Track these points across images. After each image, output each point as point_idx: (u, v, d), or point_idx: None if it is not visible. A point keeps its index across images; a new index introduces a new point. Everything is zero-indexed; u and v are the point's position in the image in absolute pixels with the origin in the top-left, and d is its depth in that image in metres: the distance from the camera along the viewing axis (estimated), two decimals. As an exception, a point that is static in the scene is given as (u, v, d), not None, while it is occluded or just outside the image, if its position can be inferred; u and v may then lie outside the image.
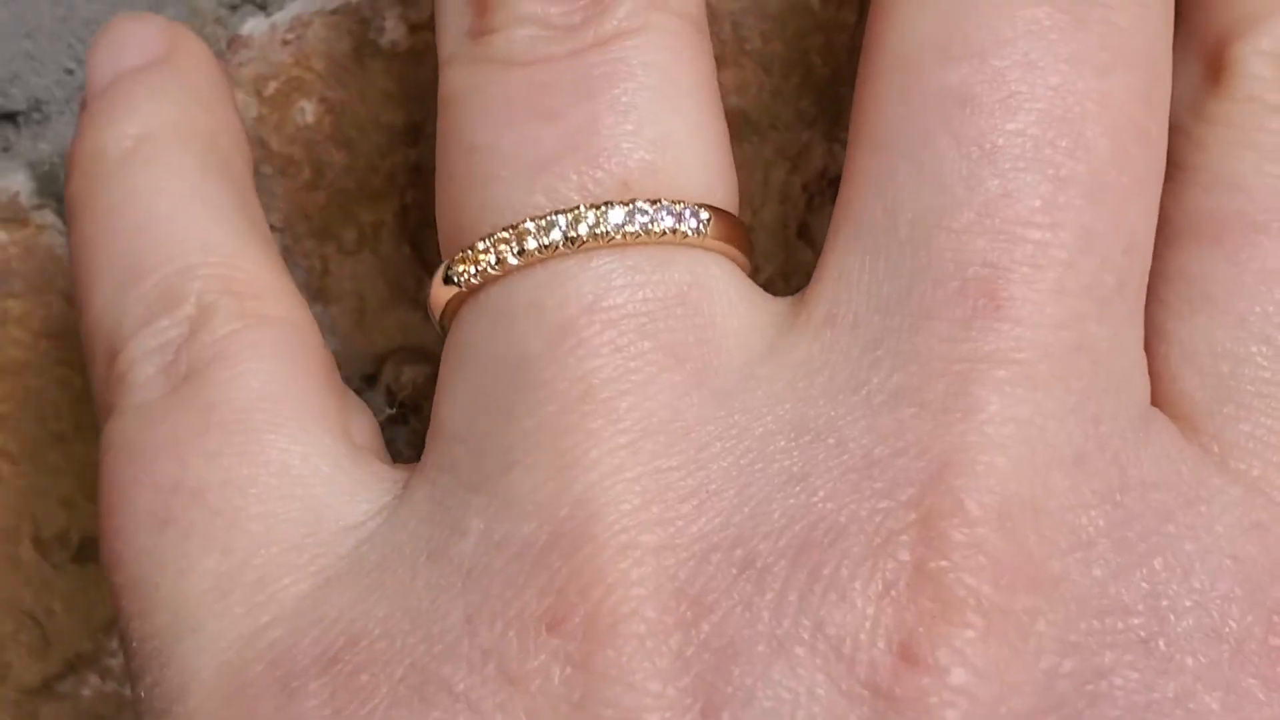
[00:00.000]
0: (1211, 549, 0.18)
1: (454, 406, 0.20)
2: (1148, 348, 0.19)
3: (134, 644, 0.20)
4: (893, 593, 0.16)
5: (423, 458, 0.20)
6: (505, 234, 0.19)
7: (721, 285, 0.19)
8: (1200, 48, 0.20)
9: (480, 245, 0.19)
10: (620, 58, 0.19)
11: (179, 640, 0.19)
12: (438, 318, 0.20)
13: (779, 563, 0.17)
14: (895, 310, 0.18)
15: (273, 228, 0.27)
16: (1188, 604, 0.17)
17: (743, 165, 0.29)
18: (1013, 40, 0.19)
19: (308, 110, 0.26)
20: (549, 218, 0.19)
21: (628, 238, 0.19)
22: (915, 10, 0.19)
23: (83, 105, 0.23)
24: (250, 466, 0.20)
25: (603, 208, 0.19)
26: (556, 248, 0.19)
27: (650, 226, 0.19)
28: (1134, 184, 0.19)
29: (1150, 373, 0.19)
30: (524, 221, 0.19)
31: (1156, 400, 0.19)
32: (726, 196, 0.20)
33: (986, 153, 0.18)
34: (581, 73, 0.19)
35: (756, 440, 0.18)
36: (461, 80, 0.20)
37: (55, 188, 0.27)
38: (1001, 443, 0.17)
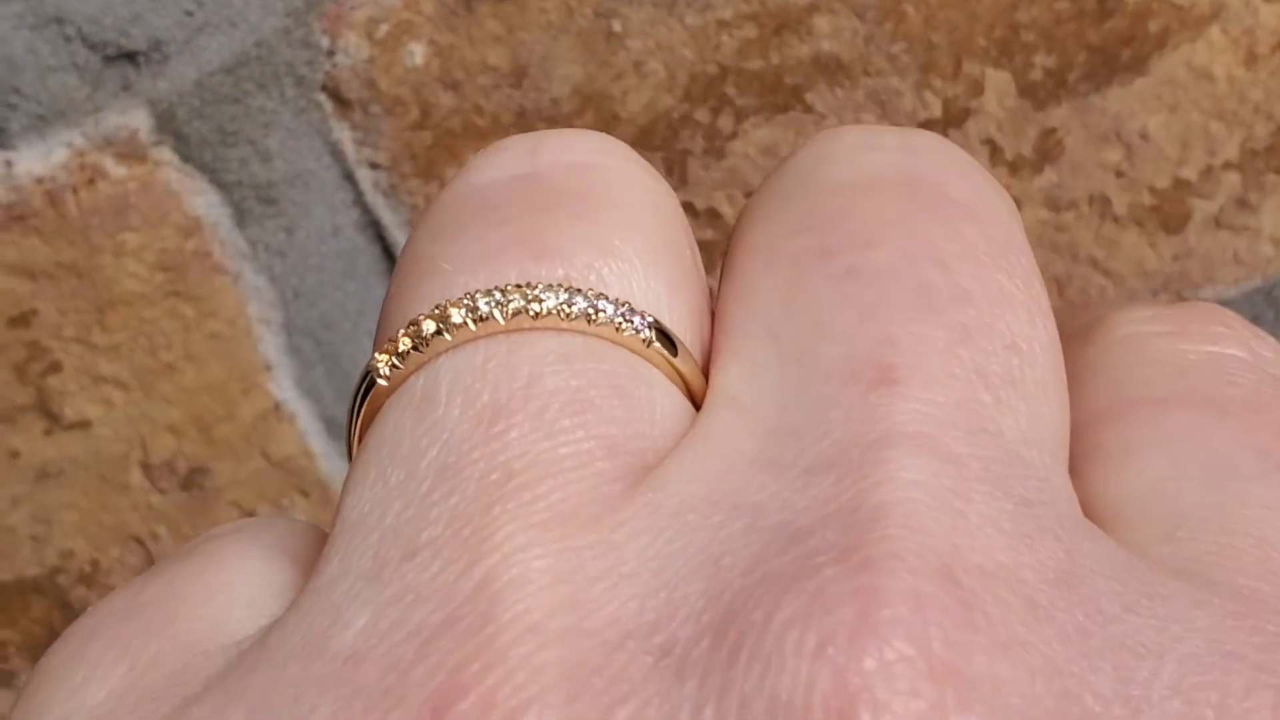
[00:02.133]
0: (1182, 639, 0.16)
1: (359, 497, 0.18)
2: (1086, 511, 0.19)
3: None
4: (829, 650, 0.14)
5: (321, 553, 0.18)
6: (435, 312, 0.18)
7: (659, 389, 0.18)
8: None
9: (401, 333, 0.18)
10: (581, 185, 0.19)
11: None
12: (355, 437, 0.19)
13: (699, 645, 0.15)
14: (790, 400, 0.18)
15: (378, 166, 0.28)
16: (1164, 694, 0.16)
17: (834, 110, 0.29)
18: (855, 210, 0.19)
19: (416, 53, 0.27)
20: (482, 294, 0.18)
21: (565, 318, 0.18)
22: (761, 222, 0.20)
23: None
24: (190, 585, 0.18)
25: (540, 288, 0.18)
26: (488, 320, 0.18)
27: (591, 314, 0.18)
28: (999, 296, 0.18)
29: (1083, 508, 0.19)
30: (456, 303, 0.18)
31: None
32: (672, 317, 0.19)
33: (855, 274, 0.18)
34: (538, 191, 0.19)
35: (670, 518, 0.17)
36: (419, 224, 0.20)
37: (173, 125, 0.28)
38: (931, 501, 0.16)
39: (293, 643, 0.17)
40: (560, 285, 0.18)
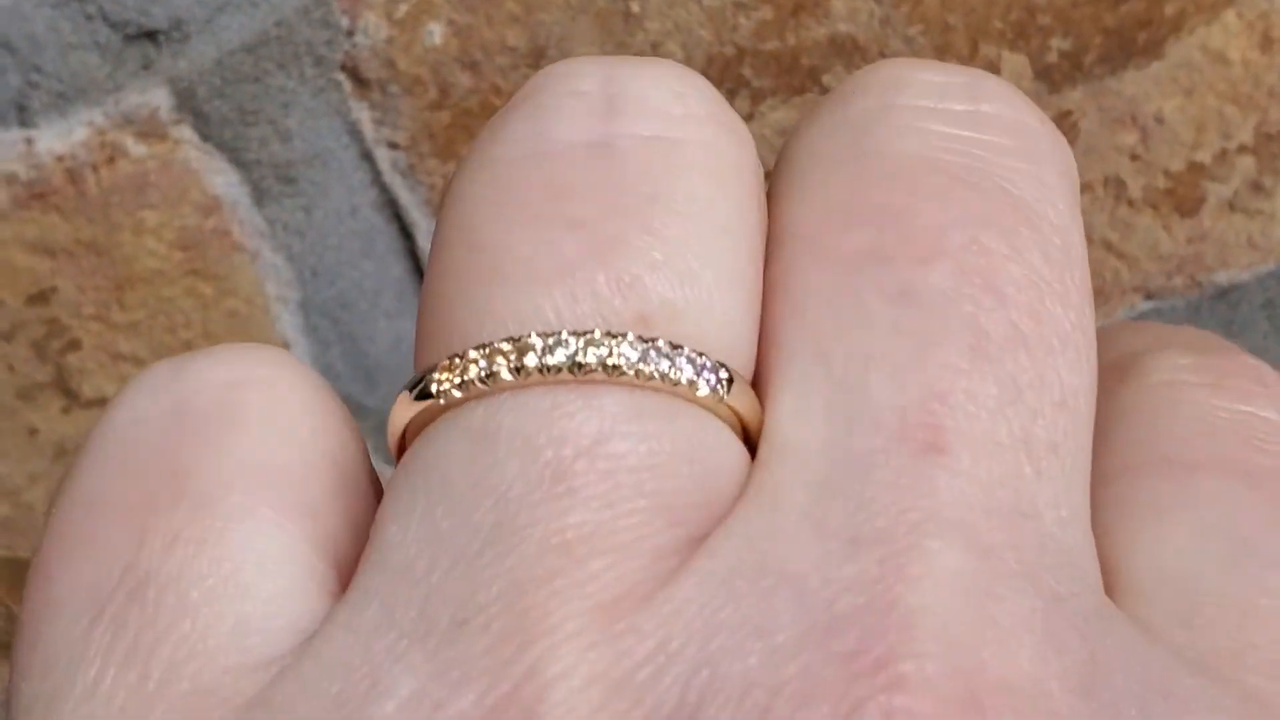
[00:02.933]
0: None
1: (405, 534, 0.17)
2: (1103, 564, 0.19)
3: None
4: None
5: (353, 581, 0.18)
6: (505, 345, 0.17)
7: (725, 448, 0.18)
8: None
9: (471, 354, 0.17)
10: (653, 173, 0.18)
11: None
12: (397, 438, 0.18)
13: None
14: (839, 450, 0.17)
15: (396, 146, 0.29)
16: None
17: (848, 100, 0.30)
18: (913, 207, 0.18)
19: (435, 32, 0.27)
20: (558, 336, 0.17)
21: (640, 377, 0.17)
22: (811, 191, 0.19)
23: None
24: (209, 559, 0.17)
25: (619, 339, 0.17)
26: (560, 372, 0.17)
27: (667, 372, 0.17)
28: (1056, 339, 0.18)
29: (1106, 584, 0.19)
30: (528, 335, 0.17)
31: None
32: (746, 362, 0.18)
33: (909, 299, 0.18)
34: (613, 180, 0.18)
35: (720, 585, 0.17)
36: (474, 175, 0.18)
37: (193, 104, 0.28)
38: (964, 606, 0.16)
39: (327, 696, 0.16)
40: (639, 340, 0.17)
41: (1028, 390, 0.18)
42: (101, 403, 0.30)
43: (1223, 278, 0.30)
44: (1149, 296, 0.30)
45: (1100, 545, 0.19)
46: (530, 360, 0.17)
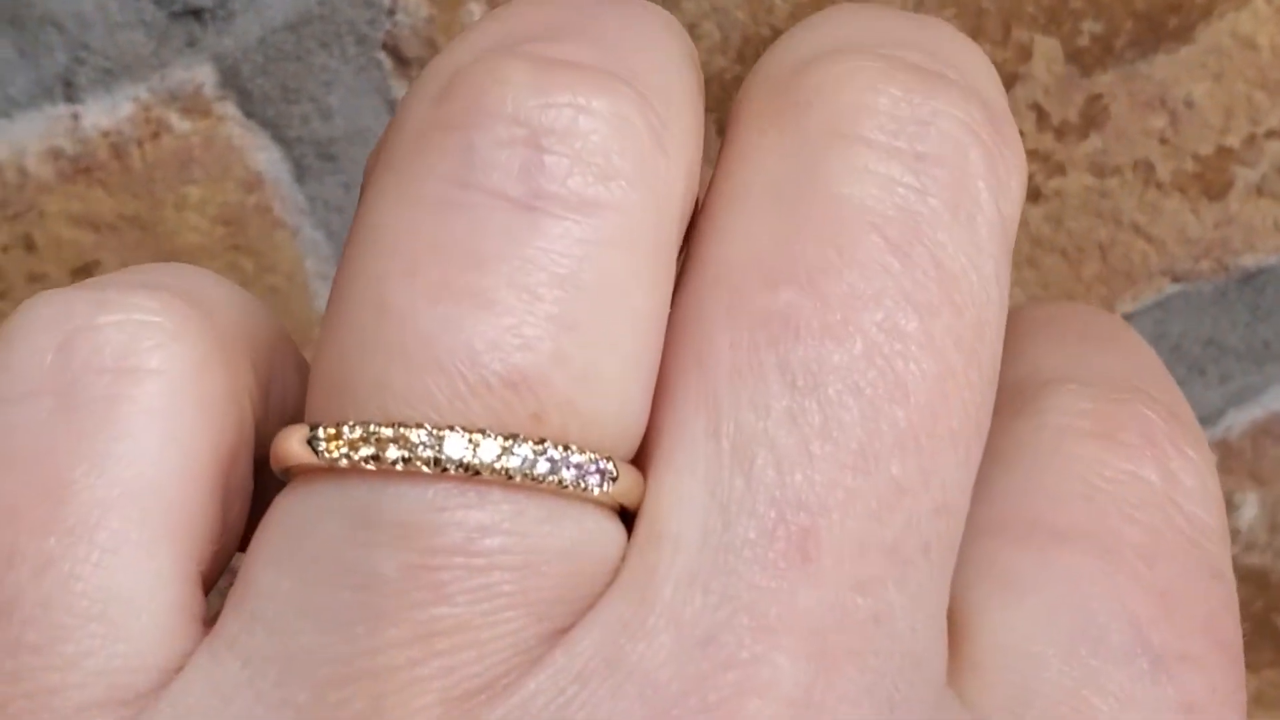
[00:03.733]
0: None
1: (274, 586, 0.17)
2: (951, 624, 0.19)
3: None
4: None
5: (218, 624, 0.18)
6: (392, 431, 0.17)
7: (602, 541, 0.18)
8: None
9: (358, 432, 0.17)
10: (571, 249, 0.17)
11: None
12: (280, 469, 0.18)
13: None
14: (711, 543, 0.17)
15: (436, 125, 0.29)
16: None
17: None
18: (839, 269, 0.18)
19: (475, 12, 0.28)
20: (449, 432, 0.17)
21: (526, 479, 0.17)
22: (744, 226, 0.18)
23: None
24: (78, 593, 0.17)
25: (510, 441, 0.17)
26: (446, 468, 0.17)
27: (552, 476, 0.17)
28: (949, 438, 0.18)
29: (950, 647, 0.19)
30: (418, 426, 0.17)
31: (951, 676, 0.19)
32: (635, 440, 0.18)
33: (812, 384, 0.18)
34: (530, 255, 0.17)
35: (574, 678, 0.17)
36: (389, 199, 0.18)
37: (237, 81, 0.28)
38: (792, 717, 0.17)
39: None
40: (530, 443, 0.17)
41: (909, 495, 0.18)
42: (143, 375, 0.30)
43: (1249, 261, 0.31)
44: (1176, 280, 0.30)
45: (955, 602, 0.19)
46: (423, 452, 0.17)
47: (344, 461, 0.17)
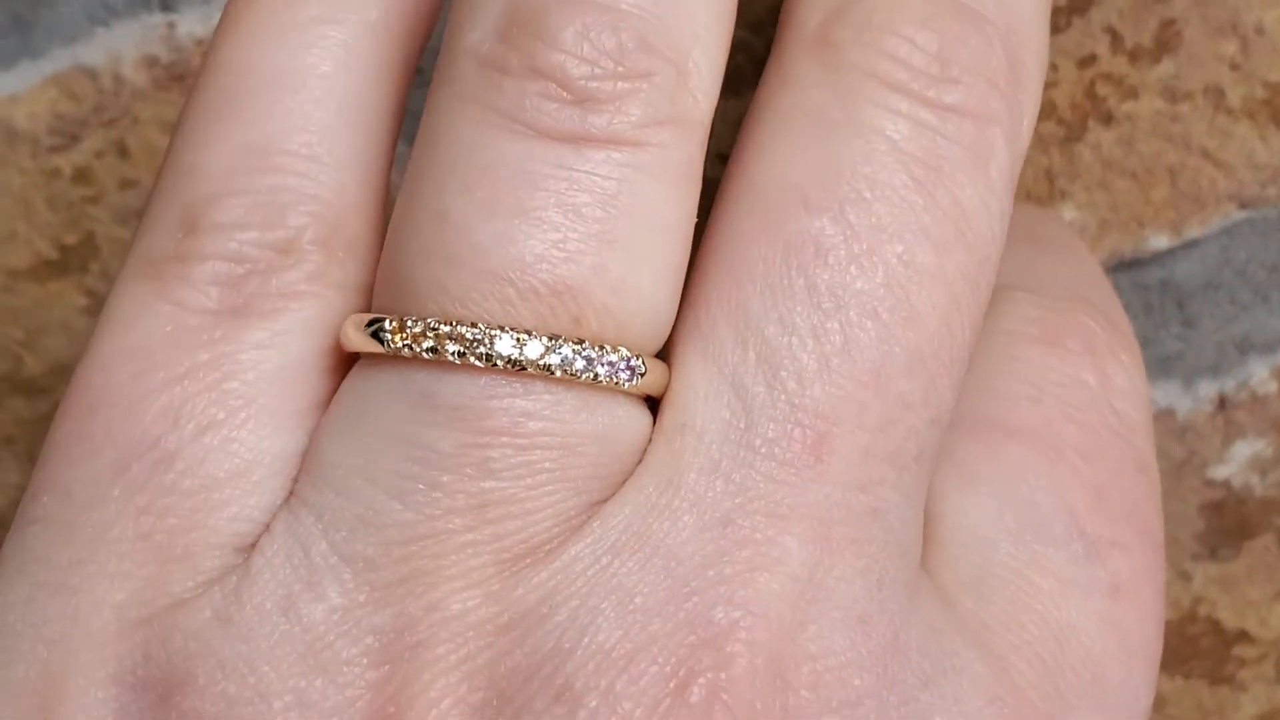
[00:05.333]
0: (959, 717, 0.20)
1: (341, 455, 0.20)
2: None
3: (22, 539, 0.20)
4: (681, 712, 0.18)
5: (296, 485, 0.20)
6: (449, 329, 0.19)
7: (630, 426, 0.20)
8: None
9: (419, 327, 0.19)
10: (616, 176, 0.19)
11: (60, 592, 0.19)
12: (346, 351, 0.21)
13: (589, 696, 0.18)
14: (733, 437, 0.19)
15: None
16: None
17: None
18: (869, 202, 0.20)
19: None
20: (499, 332, 0.19)
21: (565, 374, 0.19)
22: (784, 151, 0.20)
23: None
24: (208, 460, 0.20)
25: (553, 341, 0.19)
26: (495, 363, 0.19)
27: (588, 371, 0.19)
28: (949, 361, 0.20)
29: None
30: (474, 324, 0.19)
31: (923, 561, 0.21)
32: (662, 337, 0.20)
33: (836, 306, 0.19)
34: (575, 178, 0.19)
35: (608, 549, 0.19)
36: (452, 115, 0.20)
37: None
38: (795, 600, 0.19)
39: (270, 588, 0.19)
40: (570, 343, 0.19)
41: (911, 410, 0.20)
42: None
43: (1316, 188, 0.31)
44: (1243, 206, 0.31)
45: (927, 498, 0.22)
46: (475, 349, 0.19)
47: (406, 351, 0.19)
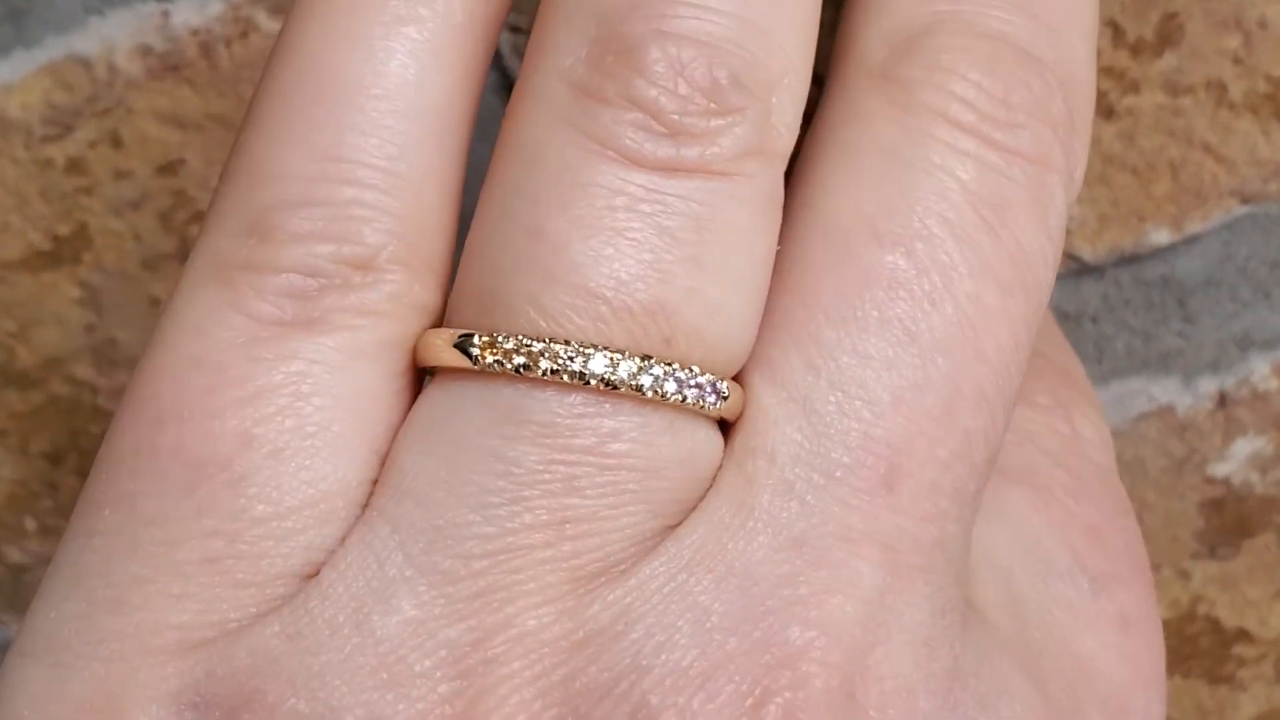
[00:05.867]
0: None
1: (421, 466, 0.20)
2: None
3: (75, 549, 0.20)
4: None
5: (372, 499, 0.20)
6: (543, 345, 0.19)
7: (708, 450, 0.20)
8: None
9: (511, 343, 0.19)
10: (708, 203, 0.19)
11: (119, 609, 0.19)
12: (424, 365, 0.20)
13: (677, 696, 0.18)
14: (806, 459, 0.20)
15: (519, 29, 0.29)
16: None
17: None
18: (940, 239, 0.20)
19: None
20: (594, 350, 0.19)
21: (655, 395, 0.19)
22: (855, 186, 0.20)
23: None
24: (282, 486, 0.20)
25: (645, 362, 0.19)
26: (589, 381, 0.19)
27: (678, 394, 0.19)
28: (1006, 400, 0.21)
29: None
30: (568, 342, 0.19)
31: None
32: (741, 362, 0.21)
33: (909, 340, 0.20)
34: (668, 202, 0.19)
35: (683, 568, 0.19)
36: (548, 140, 0.20)
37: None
38: (866, 622, 0.19)
39: (344, 598, 0.19)
40: (660, 364, 0.19)
41: (975, 447, 0.20)
42: (223, 275, 0.31)
43: (1318, 184, 0.31)
44: (1245, 201, 0.31)
45: None
46: (571, 364, 0.19)
47: (496, 367, 0.19)
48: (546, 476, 0.19)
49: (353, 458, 0.20)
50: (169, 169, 0.30)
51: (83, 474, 0.32)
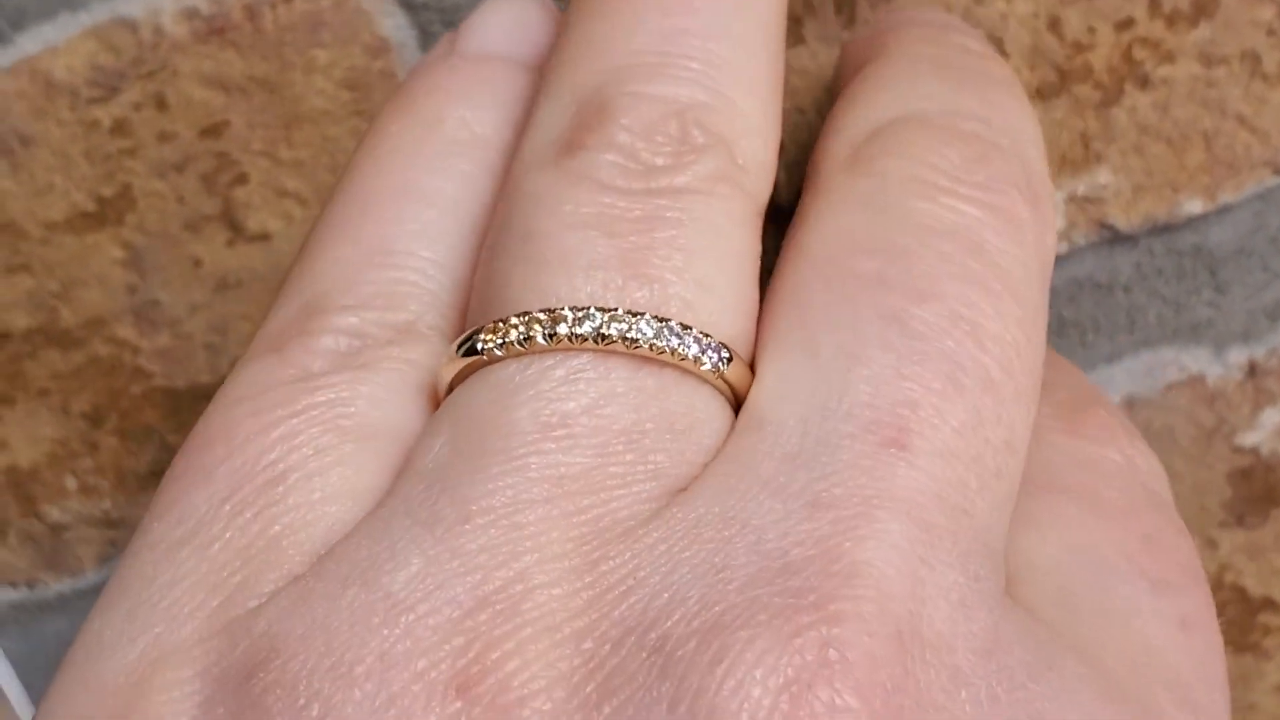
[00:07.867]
0: (1070, 709, 0.19)
1: (429, 447, 0.20)
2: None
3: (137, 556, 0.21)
4: (794, 687, 0.17)
5: (393, 486, 0.21)
6: (541, 315, 0.20)
7: (711, 417, 0.21)
8: None
9: (513, 320, 0.20)
10: (686, 208, 0.21)
11: (158, 604, 0.20)
12: (444, 389, 0.21)
13: (688, 644, 0.18)
14: (811, 429, 0.20)
15: (559, -4, 0.30)
16: None
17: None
18: (922, 252, 0.21)
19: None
20: (587, 310, 0.20)
21: (653, 350, 0.20)
22: (838, 219, 0.22)
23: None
24: (335, 481, 0.21)
25: (638, 317, 0.20)
26: (585, 340, 0.20)
27: (676, 348, 0.20)
28: (1015, 392, 0.21)
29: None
30: (562, 308, 0.20)
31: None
32: (746, 354, 0.21)
33: (902, 321, 0.20)
34: (649, 211, 0.21)
35: (689, 529, 0.19)
36: (537, 182, 0.22)
37: (368, -53, 0.29)
38: (902, 566, 0.19)
39: (354, 561, 0.19)
40: (655, 319, 0.20)
41: (987, 424, 0.20)
42: (264, 238, 0.31)
43: (1350, 156, 0.31)
44: (1277, 171, 0.31)
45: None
46: (562, 329, 0.19)
47: (498, 351, 0.20)
48: (543, 437, 0.20)
49: (383, 465, 0.21)
50: (212, 131, 0.30)
51: (122, 434, 0.33)
